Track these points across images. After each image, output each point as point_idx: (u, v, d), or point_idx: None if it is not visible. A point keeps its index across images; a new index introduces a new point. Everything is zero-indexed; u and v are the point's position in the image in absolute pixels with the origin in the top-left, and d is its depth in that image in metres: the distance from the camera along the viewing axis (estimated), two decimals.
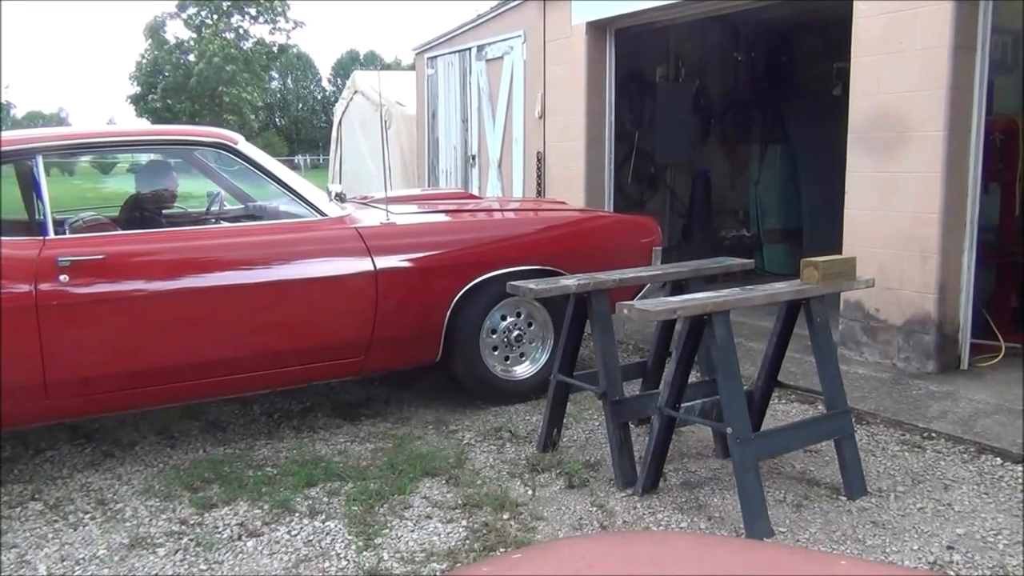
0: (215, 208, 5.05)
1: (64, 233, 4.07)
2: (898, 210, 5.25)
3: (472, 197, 6.53)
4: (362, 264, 4.35)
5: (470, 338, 4.71)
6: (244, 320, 4.16)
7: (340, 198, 4.87)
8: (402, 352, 4.65)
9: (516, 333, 4.89)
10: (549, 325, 4.97)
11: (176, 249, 4.12)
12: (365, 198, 5.59)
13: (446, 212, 5.20)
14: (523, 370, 4.98)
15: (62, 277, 3.74)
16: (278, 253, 4.25)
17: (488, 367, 4.82)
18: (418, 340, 4.62)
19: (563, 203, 6.33)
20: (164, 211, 4.97)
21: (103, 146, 4.61)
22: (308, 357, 4.33)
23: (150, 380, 4.02)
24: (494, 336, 4.85)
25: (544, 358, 4.99)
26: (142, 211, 4.82)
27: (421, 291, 4.54)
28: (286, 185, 4.45)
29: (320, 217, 4.43)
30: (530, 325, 4.96)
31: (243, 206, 5.14)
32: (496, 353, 4.87)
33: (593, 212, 5.92)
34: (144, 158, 5.45)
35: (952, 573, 3.06)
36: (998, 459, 4.03)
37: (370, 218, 4.61)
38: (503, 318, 4.85)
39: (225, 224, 4.69)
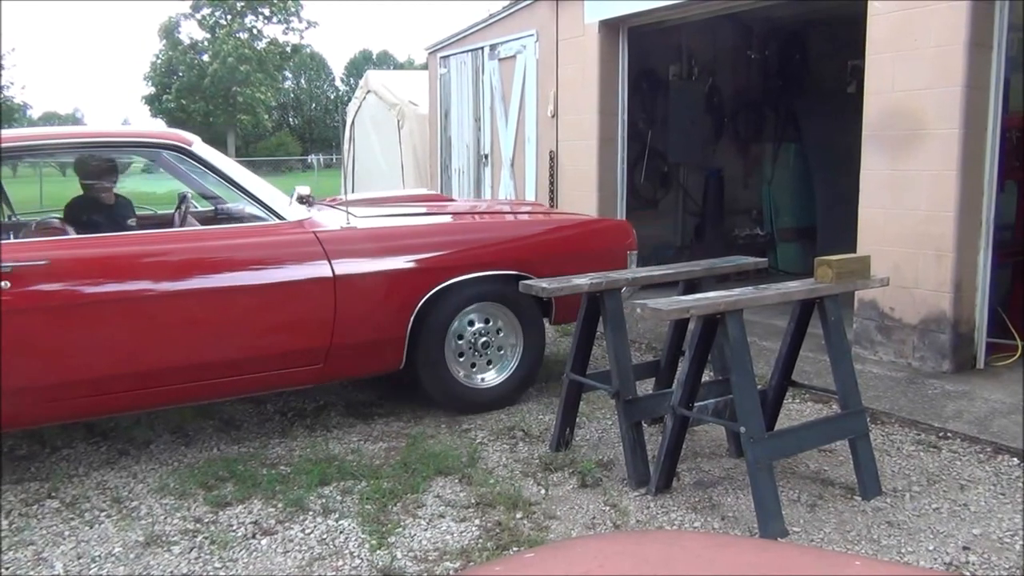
0: (184, 211, 4.93)
1: (10, 237, 3.94)
2: (913, 208, 5.22)
3: (444, 199, 6.36)
4: (319, 269, 4.21)
5: (435, 345, 4.57)
6: (195, 327, 4.02)
7: (306, 200, 4.75)
8: (364, 359, 4.52)
9: (484, 339, 4.75)
10: (519, 331, 4.85)
11: (124, 255, 3.98)
12: (334, 200, 5.49)
13: (412, 215, 5.05)
14: (491, 378, 4.83)
15: (3, 284, 3.61)
16: (230, 258, 4.12)
17: (454, 375, 4.69)
18: (380, 347, 4.49)
19: (541, 205, 6.25)
20: (134, 215, 4.85)
21: (52, 148, 4.48)
22: (264, 364, 4.20)
23: (96, 389, 3.88)
24: (461, 342, 4.72)
25: (513, 365, 4.86)
26: (90, 213, 4.66)
27: (382, 297, 4.42)
28: (241, 188, 4.32)
29: (277, 221, 4.29)
30: (499, 332, 4.82)
31: (204, 209, 5.04)
32: (463, 360, 4.74)
33: (567, 215, 5.75)
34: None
35: (968, 574, 3.04)
36: (1015, 459, 4.00)
37: (331, 222, 4.47)
38: (471, 324, 4.73)
39: (176, 228, 4.58)
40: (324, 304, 4.23)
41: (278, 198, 4.43)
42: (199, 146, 4.34)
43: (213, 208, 5.00)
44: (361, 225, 4.51)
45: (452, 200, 6.27)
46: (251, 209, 4.39)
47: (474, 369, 4.79)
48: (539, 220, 5.36)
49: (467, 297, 4.64)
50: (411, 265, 4.50)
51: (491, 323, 4.79)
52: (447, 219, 5.15)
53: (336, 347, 4.30)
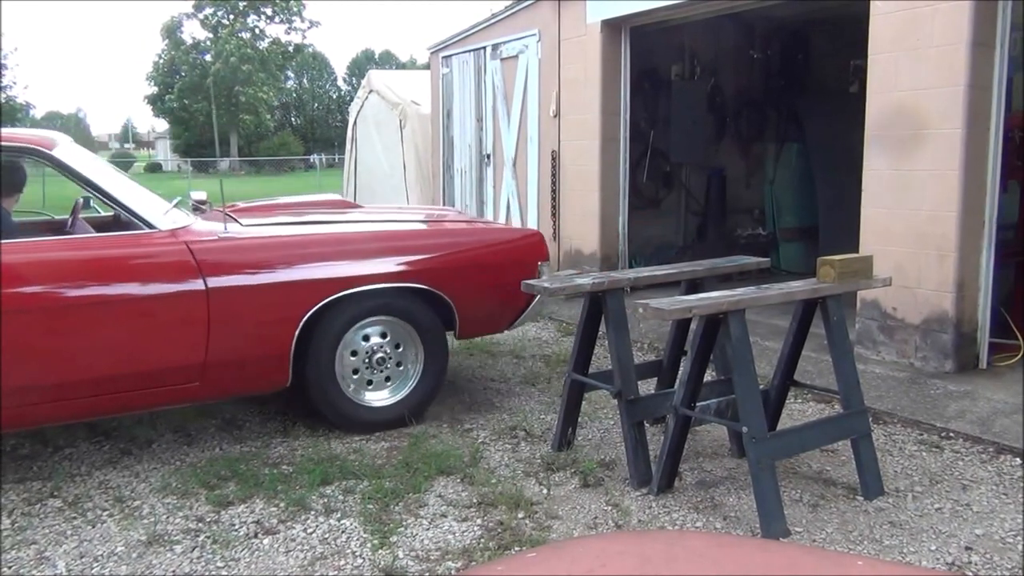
0: (75, 217, 4.73)
1: None
2: (915, 208, 5.22)
3: (350, 205, 5.94)
4: (190, 282, 3.96)
5: (325, 361, 4.31)
6: (56, 343, 3.77)
7: (200, 207, 4.50)
8: (245, 377, 4.25)
9: (379, 356, 4.47)
10: (419, 347, 4.57)
11: None
12: (230, 207, 5.15)
13: (303, 224, 4.75)
14: (385, 397, 4.54)
15: None
16: (89, 270, 3.87)
17: (345, 393, 4.42)
18: (262, 364, 4.22)
19: (459, 212, 5.97)
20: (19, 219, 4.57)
21: None
22: (134, 383, 3.94)
23: None
24: (355, 358, 4.45)
25: (412, 383, 4.58)
26: None
27: (262, 311, 4.15)
28: (107, 195, 4.03)
29: (148, 230, 4.02)
30: (398, 347, 4.54)
31: (105, 215, 4.78)
32: (357, 377, 4.47)
33: (477, 225, 5.42)
34: None
35: (971, 574, 3.04)
36: (1017, 459, 4.00)
37: (210, 231, 4.18)
38: (366, 339, 4.46)
39: (35, 238, 4.14)
40: (196, 319, 3.97)
41: (152, 206, 4.17)
42: (63, 149, 4.08)
43: (114, 214, 4.61)
44: (242, 234, 4.25)
45: (359, 207, 5.92)
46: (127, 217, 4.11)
47: (370, 387, 4.51)
48: (440, 230, 5.06)
49: (360, 311, 4.36)
50: (294, 277, 4.22)
51: (389, 339, 4.51)
52: (340, 228, 4.79)
53: (212, 364, 4.05)
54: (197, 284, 3.98)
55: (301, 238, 4.44)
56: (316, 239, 4.47)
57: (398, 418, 4.51)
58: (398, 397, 4.56)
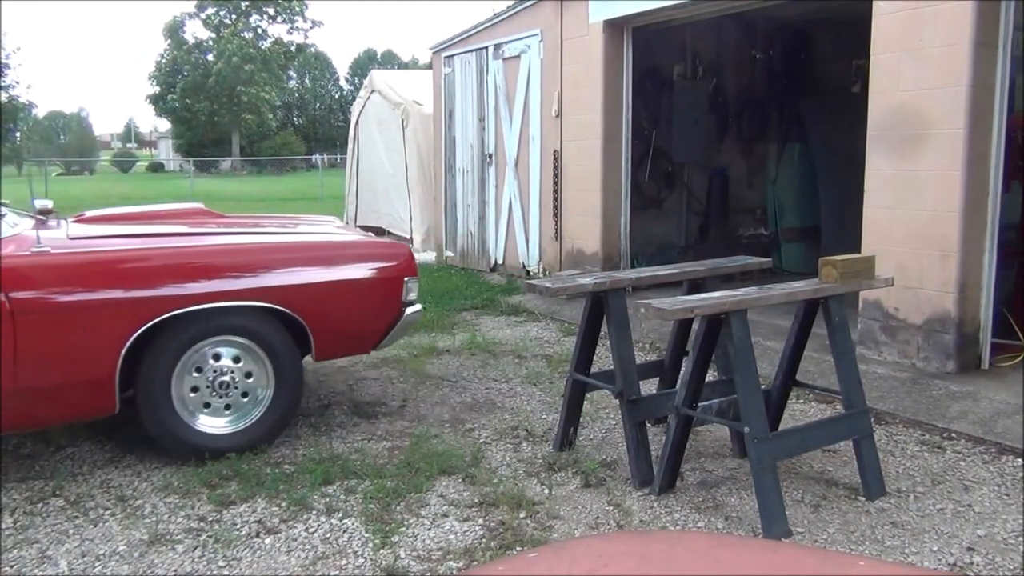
0: None
1: None
2: (918, 208, 5.21)
3: (213, 216, 5.43)
4: None
5: (158, 385, 3.97)
6: None
7: (43, 216, 4.21)
8: (60, 404, 3.85)
9: (222, 380, 4.11)
10: (269, 371, 4.21)
11: None
12: (78, 216, 4.93)
13: (144, 236, 4.39)
14: (223, 426, 4.16)
15: None
16: None
17: (182, 418, 4.05)
18: (81, 390, 3.84)
19: (334, 221, 5.59)
20: None
21: None
22: None
23: None
24: (199, 374, 4.09)
25: (259, 412, 4.21)
26: None
27: (80, 332, 3.78)
28: None
29: None
30: (249, 376, 4.18)
31: None
32: (195, 400, 4.10)
33: (338, 239, 4.97)
34: None
35: (972, 575, 3.03)
36: (1019, 460, 4.00)
37: (23, 245, 3.80)
38: (216, 358, 4.11)
39: None
40: None
41: None
42: None
43: None
44: (62, 248, 3.91)
45: (220, 217, 5.45)
46: None
47: (206, 410, 4.12)
48: (293, 244, 4.67)
49: (200, 332, 4.02)
50: (117, 295, 3.86)
51: (241, 362, 4.16)
52: (182, 242, 4.44)
53: (19, 391, 3.68)
54: None
55: (131, 253, 4.10)
56: (149, 254, 4.10)
57: (246, 443, 4.15)
58: (240, 427, 4.17)
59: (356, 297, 4.42)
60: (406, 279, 4.58)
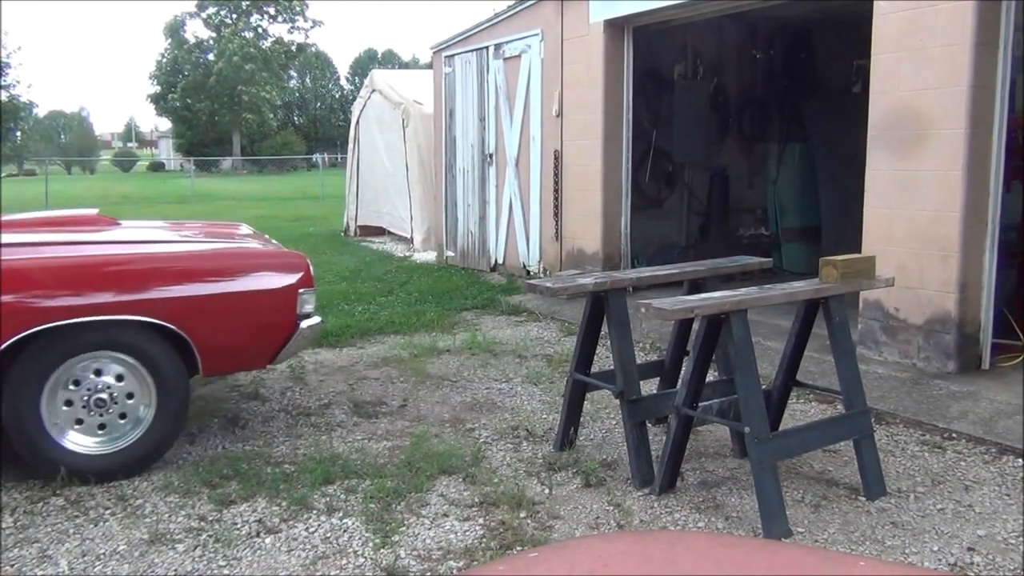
0: None
1: None
2: (918, 208, 5.21)
3: (106, 223, 5.12)
4: None
5: (24, 402, 3.75)
6: None
7: None
8: None
9: (97, 397, 3.87)
10: (151, 391, 3.96)
11: None
12: None
13: (10, 245, 4.07)
14: (93, 446, 3.90)
15: None
16: None
17: (51, 436, 3.81)
18: None
19: (238, 228, 5.35)
20: None
21: None
22: None
23: None
24: (75, 388, 3.87)
25: (137, 434, 3.94)
26: None
27: None
28: None
29: None
30: (130, 397, 3.94)
31: None
32: (67, 412, 3.87)
33: (229, 248, 4.66)
34: None
35: (973, 575, 3.03)
36: (1019, 460, 3.99)
37: None
38: (98, 373, 3.89)
39: None
40: None
41: None
42: None
43: None
44: None
45: (116, 224, 5.12)
46: None
47: (79, 427, 3.88)
48: (177, 254, 4.40)
49: (73, 347, 3.81)
50: None
51: (124, 381, 3.93)
52: (54, 251, 4.15)
53: None
54: None
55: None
56: (17, 265, 3.81)
57: (123, 465, 3.92)
58: (113, 448, 3.92)
59: (245, 310, 4.18)
60: (301, 291, 4.34)
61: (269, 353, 4.34)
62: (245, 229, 5.41)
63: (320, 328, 4.64)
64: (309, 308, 4.39)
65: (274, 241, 5.12)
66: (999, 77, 4.98)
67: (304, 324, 4.34)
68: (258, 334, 4.31)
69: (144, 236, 4.81)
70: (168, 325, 3.95)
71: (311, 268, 4.47)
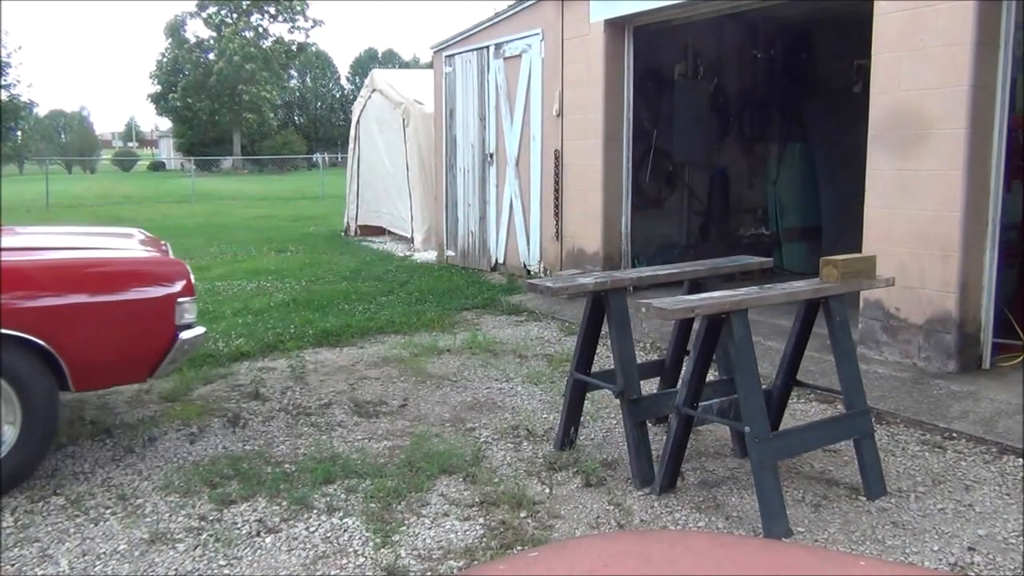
0: None
1: None
2: (919, 208, 5.21)
3: None
4: None
5: None
6: None
7: None
8: None
9: None
10: (16, 408, 3.74)
11: None
12: None
13: None
14: None
15: None
16: None
17: None
18: None
19: (144, 236, 5.12)
20: None
21: None
22: None
23: None
24: None
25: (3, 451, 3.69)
26: None
27: None
28: None
29: None
30: None
31: None
32: None
33: (101, 256, 4.41)
34: None
35: (973, 575, 3.03)
36: (1020, 460, 3.99)
37: None
38: None
39: None
40: None
41: None
42: None
43: None
44: None
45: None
46: None
47: None
48: (42, 264, 4.08)
49: None
50: None
51: None
52: None
53: None
54: None
55: None
56: None
57: None
58: None
59: (118, 322, 3.98)
60: (180, 300, 4.14)
61: (147, 366, 4.14)
62: (138, 235, 5.19)
63: (203, 339, 4.42)
64: (190, 318, 4.19)
65: (168, 247, 4.89)
66: (999, 77, 4.98)
67: (185, 335, 4.14)
68: (133, 346, 4.08)
69: (10, 243, 4.37)
70: (33, 339, 3.72)
71: (192, 277, 4.28)
